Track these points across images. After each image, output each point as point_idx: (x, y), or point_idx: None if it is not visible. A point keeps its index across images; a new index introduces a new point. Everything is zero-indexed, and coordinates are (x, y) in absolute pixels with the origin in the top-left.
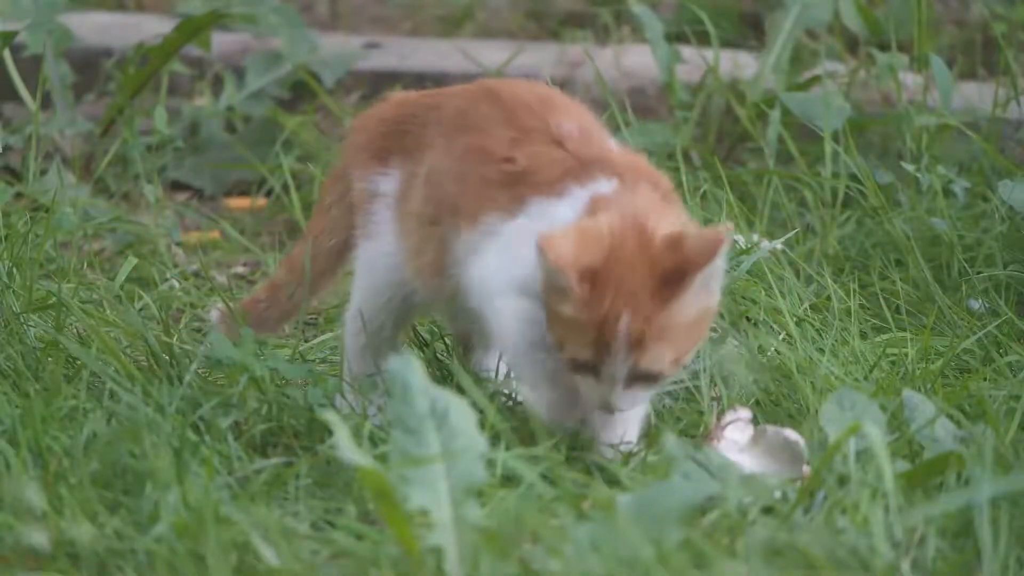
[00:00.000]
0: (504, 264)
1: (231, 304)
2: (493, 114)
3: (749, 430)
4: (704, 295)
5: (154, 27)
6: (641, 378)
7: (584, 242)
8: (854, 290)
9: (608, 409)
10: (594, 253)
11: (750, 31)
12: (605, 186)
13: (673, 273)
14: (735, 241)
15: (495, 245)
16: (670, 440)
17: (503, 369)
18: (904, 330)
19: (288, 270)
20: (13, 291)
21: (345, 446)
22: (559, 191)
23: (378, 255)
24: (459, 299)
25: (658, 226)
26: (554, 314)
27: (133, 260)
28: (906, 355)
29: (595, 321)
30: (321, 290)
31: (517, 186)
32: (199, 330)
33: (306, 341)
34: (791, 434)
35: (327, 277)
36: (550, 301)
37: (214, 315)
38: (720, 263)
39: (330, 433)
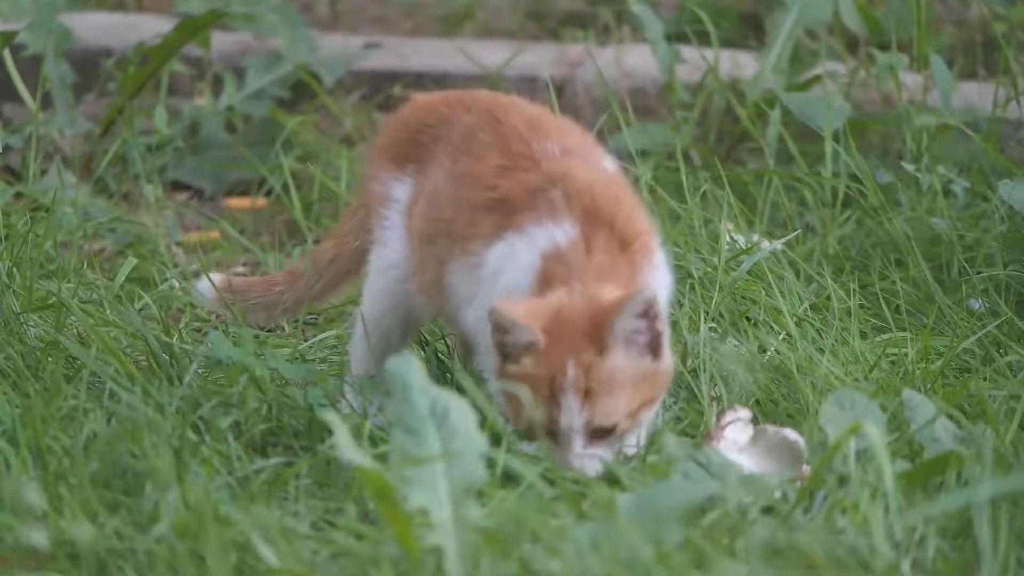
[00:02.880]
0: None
1: (226, 301)
2: (489, 141)
3: (749, 430)
4: (644, 352)
5: (154, 27)
6: (598, 433)
7: (533, 307)
8: (854, 290)
9: (572, 469)
10: (544, 315)
11: (750, 31)
12: (562, 236)
13: (604, 327)
14: (735, 241)
15: (485, 281)
16: (670, 440)
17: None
18: (904, 330)
19: (312, 263)
20: (13, 291)
21: (345, 446)
22: (522, 229)
23: (388, 263)
24: (459, 319)
25: (603, 294)
26: (508, 380)
27: (133, 260)
28: (906, 355)
29: (548, 373)
30: (341, 289)
31: (495, 214)
32: (199, 330)
33: (305, 340)
34: (791, 434)
35: (349, 277)
36: (503, 369)
37: (203, 287)
38: (639, 320)
39: (330, 433)
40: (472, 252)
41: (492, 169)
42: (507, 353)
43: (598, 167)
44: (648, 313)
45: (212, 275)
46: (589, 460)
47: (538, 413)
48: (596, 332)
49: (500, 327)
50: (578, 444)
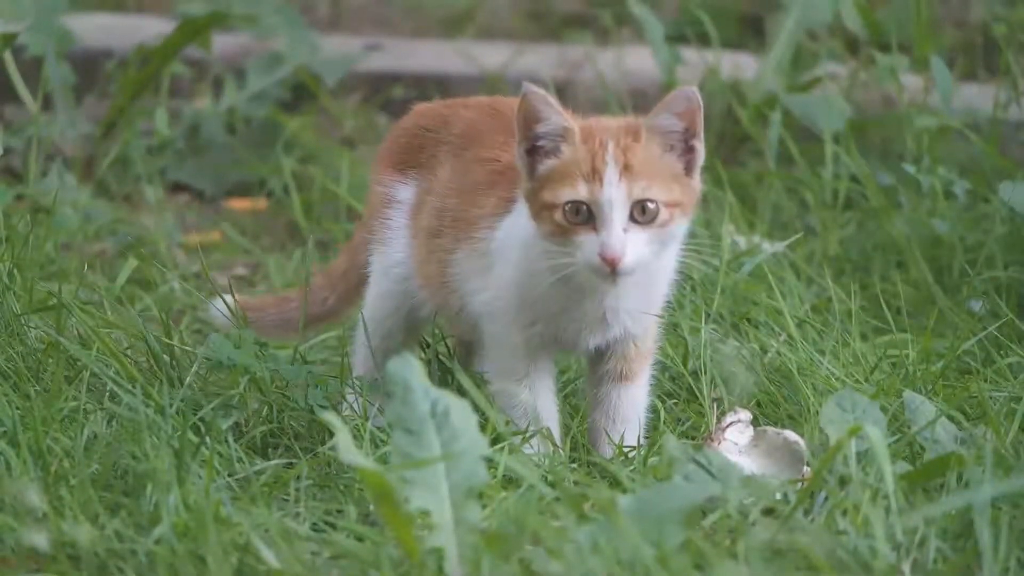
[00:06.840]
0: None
1: (235, 301)
2: (491, 126)
3: (749, 431)
4: (678, 158)
5: (155, 28)
6: (638, 210)
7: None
8: (855, 291)
9: (611, 252)
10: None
11: (751, 33)
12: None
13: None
14: (736, 243)
15: (495, 257)
16: (671, 442)
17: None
18: (905, 331)
19: (326, 277)
20: (14, 292)
21: (346, 448)
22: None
23: (390, 263)
24: (463, 313)
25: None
26: (546, 179)
27: (134, 261)
28: (907, 356)
29: (588, 154)
30: (355, 303)
31: (500, 185)
32: (200, 331)
33: (306, 342)
34: (791, 435)
35: (362, 290)
36: (535, 177)
37: (219, 308)
38: (674, 119)
39: (331, 435)
40: (479, 231)
41: (494, 147)
42: (540, 148)
43: None
44: (685, 114)
45: (228, 297)
46: (630, 245)
47: (578, 191)
48: (632, 124)
49: (532, 113)
50: (618, 221)
